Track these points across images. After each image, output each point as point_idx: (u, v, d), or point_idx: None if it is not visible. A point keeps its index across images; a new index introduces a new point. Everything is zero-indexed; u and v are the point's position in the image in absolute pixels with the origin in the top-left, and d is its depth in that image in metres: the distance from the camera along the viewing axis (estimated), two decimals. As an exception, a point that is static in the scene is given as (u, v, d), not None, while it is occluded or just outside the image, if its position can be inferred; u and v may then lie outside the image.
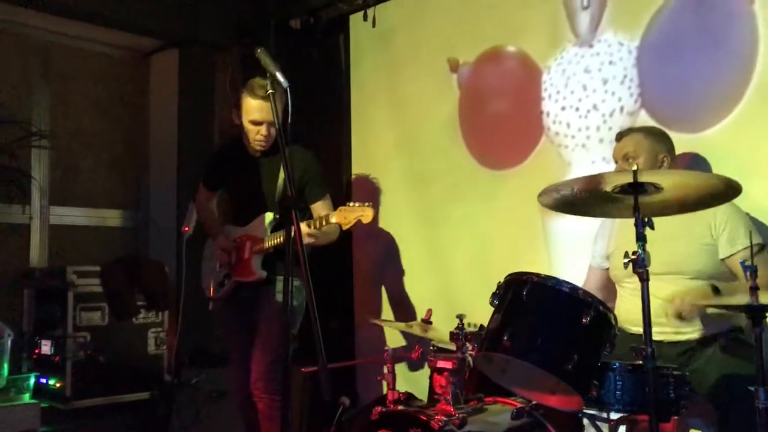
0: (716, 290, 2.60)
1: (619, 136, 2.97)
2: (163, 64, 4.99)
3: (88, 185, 4.80)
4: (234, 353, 3.37)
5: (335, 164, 4.57)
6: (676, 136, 2.98)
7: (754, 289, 2.21)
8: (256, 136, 3.24)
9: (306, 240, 2.96)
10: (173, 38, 4.82)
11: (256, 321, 3.25)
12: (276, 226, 3.24)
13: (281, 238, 3.12)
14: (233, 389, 3.41)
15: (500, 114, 3.93)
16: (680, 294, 2.61)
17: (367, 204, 2.91)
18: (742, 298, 2.27)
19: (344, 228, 2.97)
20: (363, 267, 4.49)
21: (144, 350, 4.20)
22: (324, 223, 2.99)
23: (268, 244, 3.22)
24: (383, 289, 4.31)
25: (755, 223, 2.80)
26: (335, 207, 3.08)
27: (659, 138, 2.91)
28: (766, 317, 2.29)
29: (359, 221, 2.91)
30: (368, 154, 4.50)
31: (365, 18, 4.45)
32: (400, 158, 4.30)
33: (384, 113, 4.40)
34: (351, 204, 2.94)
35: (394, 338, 4.01)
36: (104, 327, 4.07)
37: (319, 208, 3.26)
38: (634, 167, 2.22)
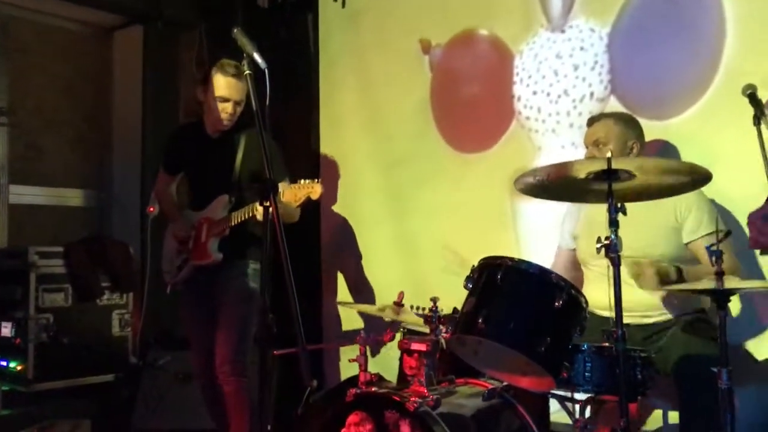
0: (679, 272, 2.68)
1: (590, 122, 3.02)
2: (127, 41, 4.89)
3: (50, 164, 4.70)
4: (195, 337, 3.34)
5: (303, 145, 4.54)
6: (645, 123, 3.03)
7: (719, 274, 2.29)
8: (222, 113, 3.20)
9: (260, 217, 2.92)
10: (137, 14, 4.72)
11: (218, 304, 3.22)
12: (233, 208, 3.22)
13: (240, 218, 3.12)
14: (196, 373, 3.39)
15: (472, 97, 3.94)
16: (647, 261, 2.68)
17: (315, 180, 2.91)
18: (708, 283, 2.34)
19: (295, 205, 2.95)
20: (330, 250, 4.48)
21: (108, 332, 4.15)
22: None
23: (223, 224, 3.19)
24: (351, 272, 4.31)
25: (719, 210, 2.88)
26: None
27: (629, 124, 2.96)
28: (730, 301, 2.37)
29: (309, 198, 2.91)
30: (337, 135, 4.48)
31: (334, -2, 4.42)
32: (370, 140, 4.29)
33: (353, 95, 4.38)
34: (300, 181, 2.93)
35: (354, 323, 4.05)
36: (67, 308, 4.00)
37: (284, 190, 3.19)
38: (607, 154, 2.26)
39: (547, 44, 3.65)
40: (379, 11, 4.30)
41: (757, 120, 2.55)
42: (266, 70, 2.24)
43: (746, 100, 2.65)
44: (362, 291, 4.17)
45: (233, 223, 3.17)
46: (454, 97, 4.00)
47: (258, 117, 2.18)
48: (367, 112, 4.31)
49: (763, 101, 2.62)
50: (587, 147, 2.98)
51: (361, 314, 4.05)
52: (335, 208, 4.42)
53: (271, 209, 2.09)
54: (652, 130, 3.14)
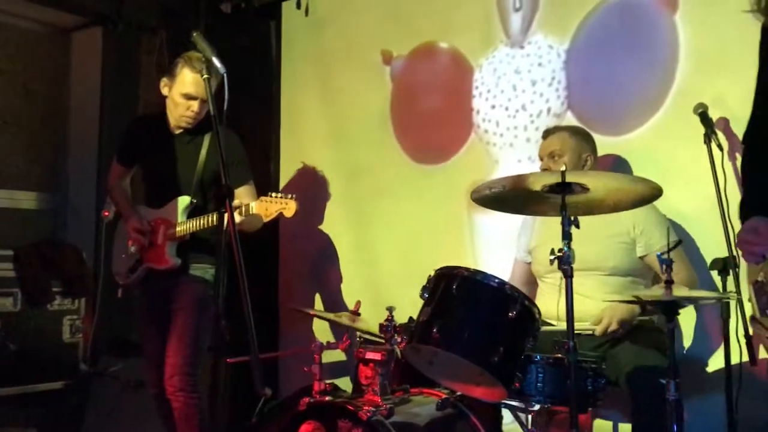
0: (643, 308, 2.71)
1: (546, 134, 3.07)
2: (86, 43, 4.80)
3: (2, 166, 4.58)
4: (147, 345, 3.21)
5: (263, 153, 4.51)
6: (600, 138, 3.10)
7: (668, 283, 2.33)
8: (186, 111, 3.07)
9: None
10: (96, 16, 4.64)
11: (173, 311, 3.08)
12: (192, 212, 3.09)
13: (201, 225, 2.99)
14: (149, 382, 3.25)
15: (432, 109, 3.97)
16: (608, 313, 2.71)
17: (290, 196, 2.83)
18: (657, 293, 2.39)
19: (265, 220, 2.87)
20: (288, 257, 4.45)
21: (59, 338, 4.05)
22: (245, 211, 2.87)
23: (182, 229, 3.05)
24: (310, 280, 4.30)
25: (672, 225, 2.92)
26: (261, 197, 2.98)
27: (584, 138, 3.02)
28: (678, 313, 2.42)
29: (281, 214, 2.85)
30: (298, 144, 4.46)
31: (298, 6, 4.41)
32: (331, 150, 4.28)
33: (315, 103, 4.37)
34: (274, 195, 2.85)
35: (314, 331, 4.04)
36: (16, 313, 3.89)
37: (243, 193, 3.08)
38: (562, 167, 2.30)
39: (506, 59, 3.70)
40: (342, 21, 4.31)
41: (707, 138, 2.63)
42: (225, 75, 2.22)
43: (698, 119, 2.73)
44: (331, 299, 4.13)
45: (194, 230, 3.04)
46: (414, 108, 4.02)
47: (215, 121, 2.16)
48: (329, 121, 4.31)
49: (714, 120, 2.70)
50: (542, 159, 3.03)
51: (318, 324, 4.04)
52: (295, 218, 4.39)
53: (226, 215, 2.07)
54: (607, 144, 3.21)
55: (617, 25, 3.34)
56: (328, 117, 4.30)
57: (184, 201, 3.10)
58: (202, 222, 3.02)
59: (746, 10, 1.44)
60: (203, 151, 3.14)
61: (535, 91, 3.59)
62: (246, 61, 4.51)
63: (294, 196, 2.85)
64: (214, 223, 2.95)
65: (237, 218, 2.78)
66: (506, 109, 3.68)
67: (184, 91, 3.05)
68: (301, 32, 4.49)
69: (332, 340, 3.39)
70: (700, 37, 3.10)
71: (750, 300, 1.57)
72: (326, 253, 4.25)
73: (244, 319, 1.94)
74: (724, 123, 2.73)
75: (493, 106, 3.73)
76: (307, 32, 4.46)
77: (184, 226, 3.06)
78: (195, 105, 3.07)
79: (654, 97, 3.20)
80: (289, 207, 2.82)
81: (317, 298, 4.24)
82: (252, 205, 2.86)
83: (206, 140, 3.16)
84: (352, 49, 4.24)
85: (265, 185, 4.42)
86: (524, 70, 3.63)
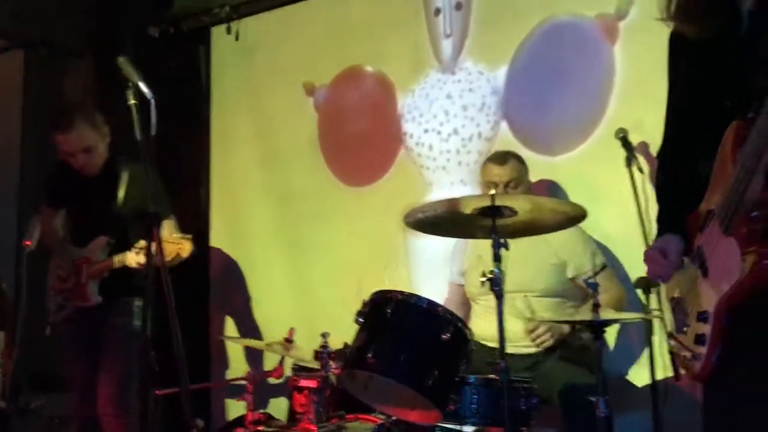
0: (573, 328, 2.81)
1: (498, 161, 3.05)
2: (6, 66, 4.64)
3: None
4: (76, 378, 3.24)
5: (193, 179, 4.46)
6: (535, 160, 3.18)
7: (596, 306, 2.41)
8: (75, 164, 3.17)
9: (134, 264, 2.95)
10: (18, 39, 4.50)
11: (101, 344, 3.15)
12: (114, 249, 3.15)
13: (120, 261, 3.06)
14: (75, 415, 3.27)
15: (360, 133, 4.00)
16: (545, 327, 2.81)
17: (186, 236, 2.87)
18: (586, 314, 2.46)
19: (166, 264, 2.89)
20: (219, 285, 4.38)
21: (-24, 374, 3.86)
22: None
23: (100, 267, 3.14)
24: (242, 308, 4.23)
25: (599, 246, 3.03)
26: (189, 225, 3.00)
27: (524, 164, 3.10)
28: (605, 332, 2.49)
29: (178, 255, 2.85)
30: (228, 170, 4.41)
31: (228, 31, 4.40)
32: (262, 175, 4.25)
33: (246, 129, 4.34)
34: (172, 235, 2.89)
35: (243, 360, 3.98)
36: (-70, 349, 3.70)
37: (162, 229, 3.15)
38: (520, 194, 2.34)
39: (437, 84, 3.76)
40: (272, 47, 4.30)
41: (629, 162, 2.72)
42: (152, 101, 2.18)
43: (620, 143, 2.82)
44: (264, 327, 4.08)
45: (113, 267, 3.11)
46: (343, 134, 4.04)
47: (143, 149, 2.12)
48: (260, 146, 4.28)
49: (635, 144, 2.80)
50: (495, 185, 2.95)
51: (251, 352, 3.97)
52: (225, 244, 4.35)
53: (154, 245, 2.02)
54: (540, 167, 3.30)
55: (556, 52, 3.42)
56: (259, 142, 4.28)
57: (101, 241, 3.18)
58: (121, 259, 3.07)
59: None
60: (122, 188, 3.20)
61: (466, 116, 3.66)
62: (175, 86, 4.44)
63: (191, 236, 2.84)
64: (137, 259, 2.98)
65: (141, 259, 2.85)
66: (439, 133, 3.74)
67: (61, 149, 3.14)
68: (231, 57, 4.47)
69: (268, 367, 3.34)
70: (636, 68, 3.19)
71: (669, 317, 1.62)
72: (259, 280, 4.20)
73: (173, 348, 1.89)
74: (644, 147, 2.82)
75: (426, 130, 3.78)
76: (237, 57, 4.43)
77: (105, 265, 3.13)
78: (78, 159, 3.15)
79: (587, 122, 3.28)
80: (183, 247, 2.83)
81: (250, 325, 4.17)
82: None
83: (125, 176, 3.23)
84: (281, 75, 4.24)
85: (195, 211, 4.38)
86: (456, 95, 3.69)
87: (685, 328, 1.48)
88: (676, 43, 1.53)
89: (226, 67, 4.51)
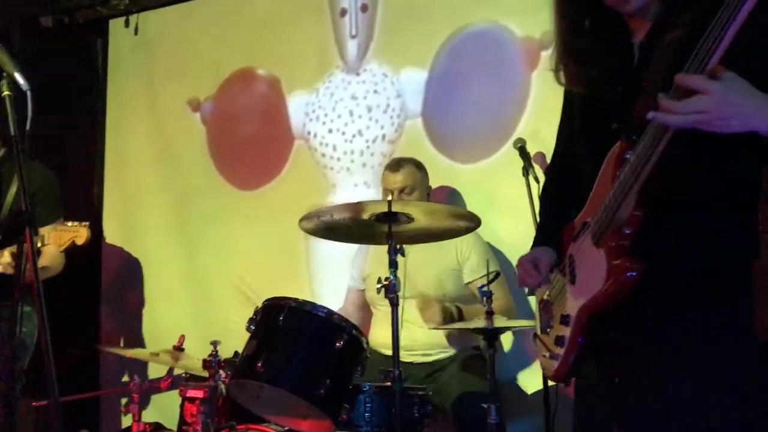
0: (459, 311, 2.85)
1: (394, 168, 3.04)
2: None
3: None
4: None
5: (86, 175, 4.26)
6: (441, 167, 3.18)
7: (489, 314, 2.42)
8: None
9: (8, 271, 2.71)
10: None
11: None
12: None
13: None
14: None
15: (250, 137, 3.93)
16: (434, 298, 2.85)
17: (83, 224, 2.70)
18: (479, 322, 2.48)
19: (60, 250, 2.72)
20: (111, 290, 4.19)
21: None
22: (39, 243, 2.70)
23: None
24: (134, 314, 4.06)
25: (495, 252, 3.07)
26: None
27: (424, 170, 3.09)
28: (498, 339, 2.52)
29: (73, 242, 2.69)
30: (124, 167, 4.23)
31: (127, 24, 4.24)
32: (158, 174, 4.10)
33: (142, 125, 4.18)
34: (67, 223, 2.71)
35: (146, 367, 3.80)
36: None
37: (49, 233, 2.89)
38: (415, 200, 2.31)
39: (342, 85, 3.73)
40: (172, 41, 4.17)
41: (525, 171, 2.77)
42: (29, 93, 2.03)
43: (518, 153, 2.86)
44: (156, 333, 3.91)
45: None
46: (231, 140, 3.97)
47: (16, 144, 1.97)
48: (156, 144, 4.13)
49: (532, 154, 2.85)
50: (391, 192, 2.97)
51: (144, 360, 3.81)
52: (118, 244, 4.17)
53: (26, 245, 1.89)
54: (449, 174, 3.33)
55: (477, 61, 3.42)
56: (155, 140, 4.13)
57: None
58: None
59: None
60: (13, 187, 2.94)
61: (371, 117, 3.64)
62: (69, 79, 4.24)
63: (87, 223, 2.69)
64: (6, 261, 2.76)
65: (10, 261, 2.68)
66: (343, 133, 3.70)
67: None
68: (129, 51, 4.30)
69: (162, 374, 3.20)
70: (550, 99, 3.22)
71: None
72: (153, 284, 4.05)
73: (43, 357, 1.77)
74: (541, 157, 2.87)
75: (330, 131, 3.73)
76: (136, 51, 4.27)
77: None
78: None
79: (495, 137, 3.31)
80: (80, 234, 2.66)
81: (141, 332, 4.02)
82: (44, 235, 2.67)
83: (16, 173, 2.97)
84: (180, 72, 4.10)
85: (87, 210, 4.18)
86: (360, 96, 3.67)
87: (548, 329, 1.56)
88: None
89: (124, 62, 4.33)
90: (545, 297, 1.61)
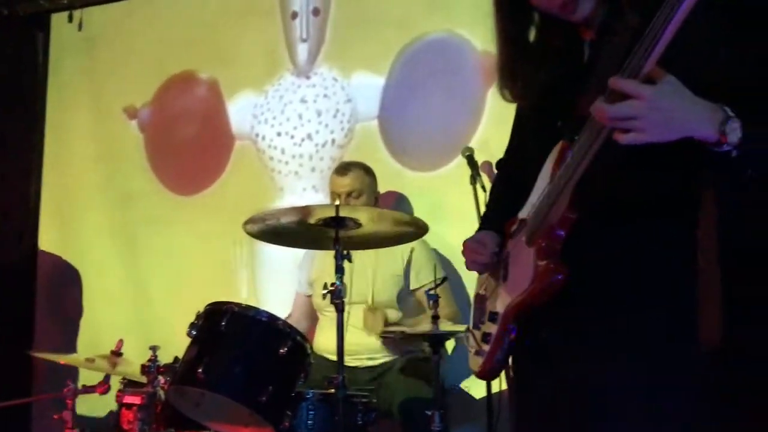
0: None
1: (342, 171, 3.01)
2: None
3: None
4: None
5: (23, 172, 4.13)
6: (392, 173, 3.20)
7: (435, 318, 2.42)
8: None
9: None
10: None
11: None
12: None
13: None
14: None
15: (190, 141, 3.87)
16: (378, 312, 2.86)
17: None
18: (425, 326, 2.47)
19: None
20: (45, 293, 4.06)
21: None
22: None
23: None
24: (71, 317, 3.94)
25: (442, 259, 3.07)
26: (15, 226, 2.70)
27: (372, 175, 3.07)
28: (443, 345, 2.52)
29: None
30: (64, 165, 4.10)
31: (70, 19, 4.12)
32: (99, 175, 3.99)
33: (84, 124, 4.06)
34: None
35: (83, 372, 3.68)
36: None
37: None
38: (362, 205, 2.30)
39: (292, 88, 3.70)
40: (116, 39, 4.06)
41: (473, 180, 2.78)
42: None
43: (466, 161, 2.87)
44: (93, 338, 3.78)
45: None
46: (169, 145, 3.90)
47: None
48: (99, 143, 4.02)
49: (480, 163, 2.86)
50: (338, 196, 2.93)
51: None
52: (56, 246, 4.05)
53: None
54: (397, 180, 3.33)
55: (437, 69, 3.41)
56: (97, 139, 4.01)
57: None
58: None
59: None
60: None
61: (320, 122, 3.61)
62: (8, 73, 4.11)
63: None
64: None
65: None
66: (292, 137, 3.66)
67: None
68: (72, 47, 4.18)
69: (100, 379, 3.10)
70: (505, 112, 3.23)
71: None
72: (92, 287, 3.93)
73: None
74: (488, 166, 2.88)
75: (279, 134, 3.69)
76: (79, 47, 4.15)
77: None
78: None
79: (446, 149, 3.30)
80: None
81: (78, 336, 3.90)
82: None
83: None
84: (125, 70, 4.01)
85: (24, 209, 4.04)
86: (310, 100, 3.64)
87: (480, 325, 1.54)
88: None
89: (66, 58, 4.20)
90: (481, 291, 1.58)
